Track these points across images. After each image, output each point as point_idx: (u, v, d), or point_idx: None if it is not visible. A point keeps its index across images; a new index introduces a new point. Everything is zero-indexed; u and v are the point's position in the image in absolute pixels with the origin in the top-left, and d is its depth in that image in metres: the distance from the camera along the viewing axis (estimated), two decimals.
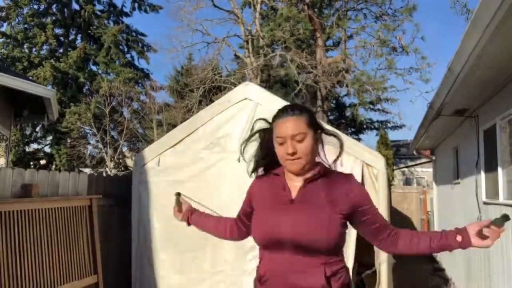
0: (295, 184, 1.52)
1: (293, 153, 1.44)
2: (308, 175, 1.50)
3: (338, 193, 1.47)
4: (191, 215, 1.85)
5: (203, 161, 4.11)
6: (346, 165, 3.83)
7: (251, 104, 4.12)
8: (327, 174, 1.52)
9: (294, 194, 1.50)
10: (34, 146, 19.70)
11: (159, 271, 3.99)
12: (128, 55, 20.46)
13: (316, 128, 1.51)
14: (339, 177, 1.53)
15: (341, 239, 1.45)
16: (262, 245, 1.51)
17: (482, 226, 1.39)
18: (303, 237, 1.40)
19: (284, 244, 1.42)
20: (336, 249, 1.45)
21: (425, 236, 1.51)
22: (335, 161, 1.58)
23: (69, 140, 17.16)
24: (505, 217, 1.32)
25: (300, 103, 1.63)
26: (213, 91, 15.01)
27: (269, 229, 1.46)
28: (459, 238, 1.44)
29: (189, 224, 1.87)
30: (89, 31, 19.92)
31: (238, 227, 1.76)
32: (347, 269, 1.52)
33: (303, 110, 1.50)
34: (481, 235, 1.38)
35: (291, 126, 1.45)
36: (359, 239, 3.76)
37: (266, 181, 1.60)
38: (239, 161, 3.85)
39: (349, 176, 1.54)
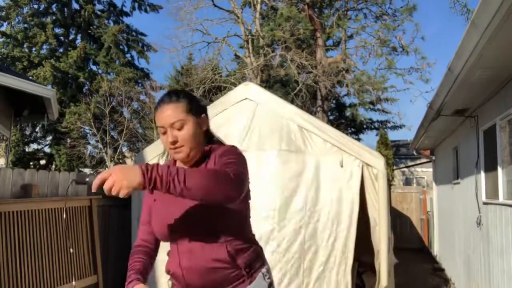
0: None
1: (174, 142, 1.41)
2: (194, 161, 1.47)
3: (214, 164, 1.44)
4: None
5: None
6: (346, 165, 3.84)
7: (251, 104, 4.12)
8: (212, 152, 1.48)
9: None
10: (34, 146, 19.71)
11: (161, 271, 3.99)
12: (128, 55, 20.46)
13: (198, 113, 1.48)
14: (220, 149, 1.49)
15: (231, 215, 1.42)
16: (161, 239, 1.51)
17: None
18: (193, 222, 1.41)
19: (178, 233, 1.43)
20: (233, 223, 1.44)
21: None
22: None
23: (69, 140, 17.16)
24: None
25: (181, 89, 1.55)
26: (213, 91, 15.00)
27: (162, 221, 1.45)
28: None
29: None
30: (89, 31, 19.91)
31: (151, 240, 1.58)
32: (255, 248, 1.52)
33: (181, 96, 1.45)
34: None
35: (169, 114, 1.41)
36: (358, 239, 3.76)
37: None
38: None
39: (226, 146, 1.51)
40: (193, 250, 1.43)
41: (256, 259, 1.50)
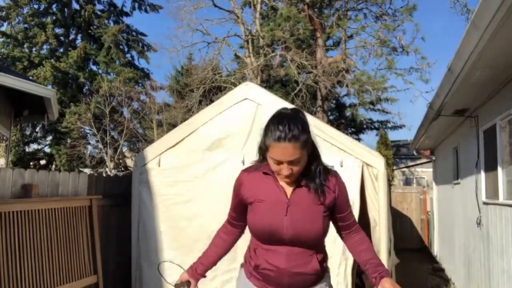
0: (286, 184, 1.62)
1: (289, 175, 1.52)
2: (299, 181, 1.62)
3: (326, 188, 1.62)
4: (196, 274, 1.81)
5: (204, 162, 4.10)
6: (346, 165, 3.84)
7: (251, 104, 4.12)
8: (321, 173, 1.63)
9: (288, 194, 1.61)
10: (34, 146, 19.71)
11: (164, 271, 3.98)
12: (128, 55, 20.47)
13: (309, 143, 1.54)
14: (327, 173, 1.65)
15: (327, 231, 1.64)
16: (260, 240, 1.63)
17: None
18: (301, 235, 1.56)
19: (284, 241, 1.57)
20: (324, 239, 1.67)
21: (364, 255, 1.66)
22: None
23: (69, 140, 17.16)
24: None
25: (296, 115, 1.52)
26: (213, 91, 15.00)
27: (270, 228, 1.57)
28: (372, 281, 1.57)
29: (204, 276, 1.84)
30: (89, 31, 19.92)
31: (233, 227, 1.81)
32: (326, 253, 1.73)
33: (299, 134, 1.45)
34: None
35: (288, 153, 1.46)
36: None
37: (256, 177, 1.66)
38: (243, 163, 3.86)
39: (336, 173, 1.70)
40: (291, 255, 1.58)
41: (326, 262, 1.74)
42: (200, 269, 1.80)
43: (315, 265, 1.60)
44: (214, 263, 1.82)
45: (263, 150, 1.56)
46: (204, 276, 1.82)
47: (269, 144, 1.48)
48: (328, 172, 1.66)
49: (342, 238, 1.75)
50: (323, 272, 1.66)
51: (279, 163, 1.49)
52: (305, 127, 1.49)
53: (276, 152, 1.47)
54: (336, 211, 1.66)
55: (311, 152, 1.57)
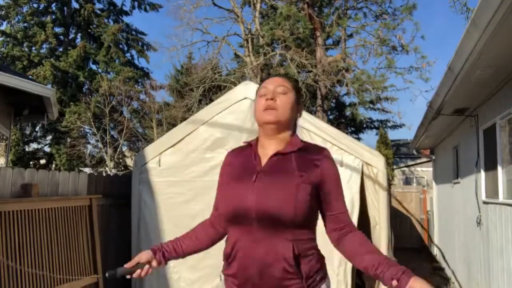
0: (266, 152, 1.44)
1: (272, 98, 1.41)
2: (282, 145, 1.43)
3: (309, 162, 1.38)
4: (158, 254, 1.48)
5: (204, 161, 4.10)
6: (346, 164, 3.83)
7: (251, 103, 4.12)
8: (301, 148, 1.44)
9: (263, 162, 1.41)
10: (34, 145, 19.71)
11: (167, 269, 3.99)
12: (128, 54, 20.48)
13: (299, 99, 1.52)
14: (313, 148, 1.46)
15: (310, 212, 1.33)
16: (228, 220, 1.40)
17: None
18: (268, 207, 1.29)
19: (250, 217, 1.31)
20: (305, 225, 1.34)
21: (370, 258, 1.31)
22: None
23: (69, 140, 17.16)
24: None
25: None
26: (213, 90, 15.00)
27: (234, 202, 1.36)
28: (394, 283, 1.24)
29: (165, 262, 1.51)
30: (89, 30, 19.91)
31: (216, 225, 1.56)
32: (321, 256, 1.40)
33: (289, 78, 1.56)
34: None
35: (277, 79, 1.48)
36: None
37: (238, 153, 1.54)
38: None
39: (323, 149, 1.45)
40: (260, 239, 1.31)
41: (318, 270, 1.37)
42: (168, 255, 1.50)
43: (287, 255, 1.28)
44: (183, 255, 1.55)
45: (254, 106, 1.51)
46: (165, 264, 1.53)
47: (259, 89, 1.50)
48: (316, 145, 1.48)
49: (334, 241, 1.41)
50: (304, 275, 1.31)
51: (265, 93, 1.44)
52: (298, 84, 1.56)
53: (264, 84, 1.48)
54: (322, 194, 1.38)
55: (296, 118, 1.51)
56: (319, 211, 1.43)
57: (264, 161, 1.42)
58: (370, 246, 1.36)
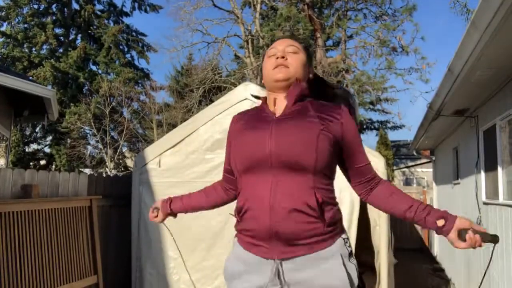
0: (278, 106, 1.40)
1: (283, 56, 1.38)
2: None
3: (329, 113, 1.33)
4: (170, 206, 1.65)
5: (204, 162, 4.11)
6: None
7: (251, 104, 4.12)
8: (314, 99, 1.42)
9: (279, 112, 1.37)
10: (34, 146, 19.70)
11: (167, 270, 3.99)
12: (128, 55, 20.49)
13: (310, 61, 1.49)
14: (329, 103, 1.41)
15: (330, 161, 1.29)
16: (244, 170, 1.32)
17: (471, 228, 1.22)
18: (289, 152, 1.24)
19: (268, 163, 1.25)
20: (326, 173, 1.29)
21: (406, 201, 1.31)
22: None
23: (69, 141, 17.16)
24: (494, 239, 1.24)
25: None
26: (213, 91, 15.01)
27: (252, 148, 1.29)
28: (440, 223, 1.23)
29: (175, 214, 1.68)
30: (89, 31, 19.93)
31: (226, 189, 1.61)
32: (340, 211, 1.37)
33: (299, 38, 1.51)
34: (461, 233, 1.23)
35: (287, 40, 1.45)
36: (358, 239, 3.76)
37: (246, 114, 1.50)
38: None
39: (340, 104, 1.39)
40: (278, 184, 1.24)
41: (339, 221, 1.34)
42: (177, 206, 1.65)
43: (310, 200, 1.22)
44: (193, 206, 1.65)
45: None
46: (174, 216, 1.68)
47: (267, 51, 1.47)
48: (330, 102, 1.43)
49: (363, 193, 1.40)
50: (327, 221, 1.25)
51: (275, 53, 1.41)
52: (308, 45, 1.51)
53: (275, 43, 1.46)
54: (345, 148, 1.34)
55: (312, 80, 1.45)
56: (341, 167, 1.41)
57: (278, 113, 1.37)
58: (402, 193, 1.34)
